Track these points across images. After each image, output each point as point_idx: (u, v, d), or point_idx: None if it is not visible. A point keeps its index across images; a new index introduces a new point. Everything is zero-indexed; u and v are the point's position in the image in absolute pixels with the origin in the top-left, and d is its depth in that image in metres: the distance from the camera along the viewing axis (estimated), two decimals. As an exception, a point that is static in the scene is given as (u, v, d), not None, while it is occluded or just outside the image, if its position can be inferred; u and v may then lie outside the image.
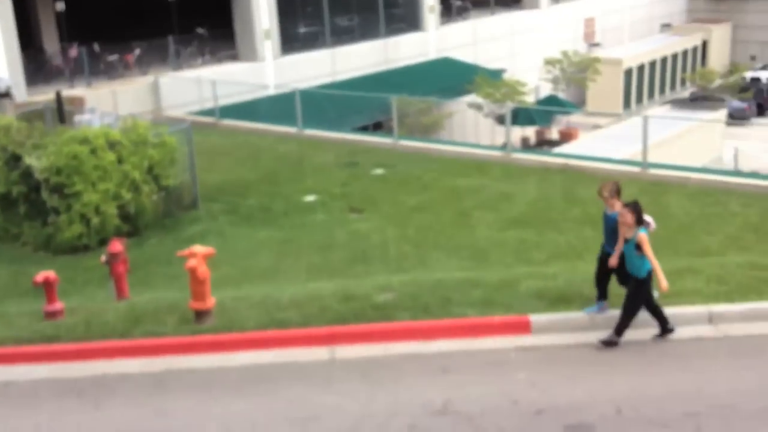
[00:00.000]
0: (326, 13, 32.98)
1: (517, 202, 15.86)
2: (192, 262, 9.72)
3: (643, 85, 49.84)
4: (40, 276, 10.43)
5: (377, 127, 29.15)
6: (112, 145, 15.29)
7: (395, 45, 35.17)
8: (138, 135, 15.73)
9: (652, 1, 55.12)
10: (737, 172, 23.93)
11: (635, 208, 9.06)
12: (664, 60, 51.51)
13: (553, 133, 40.03)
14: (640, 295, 9.16)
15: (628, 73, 47.90)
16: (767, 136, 38.37)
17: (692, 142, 31.13)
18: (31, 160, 14.80)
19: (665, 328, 9.36)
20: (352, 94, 26.42)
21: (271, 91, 29.08)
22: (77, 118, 18.85)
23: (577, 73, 41.47)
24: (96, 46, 27.42)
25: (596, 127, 38.78)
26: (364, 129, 27.47)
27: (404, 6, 36.73)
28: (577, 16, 47.92)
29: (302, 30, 32.67)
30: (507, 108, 22.06)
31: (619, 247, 9.25)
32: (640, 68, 49.11)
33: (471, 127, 35.78)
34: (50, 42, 30.16)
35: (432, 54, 36.97)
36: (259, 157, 20.40)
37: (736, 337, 9.42)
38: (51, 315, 10.40)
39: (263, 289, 11.33)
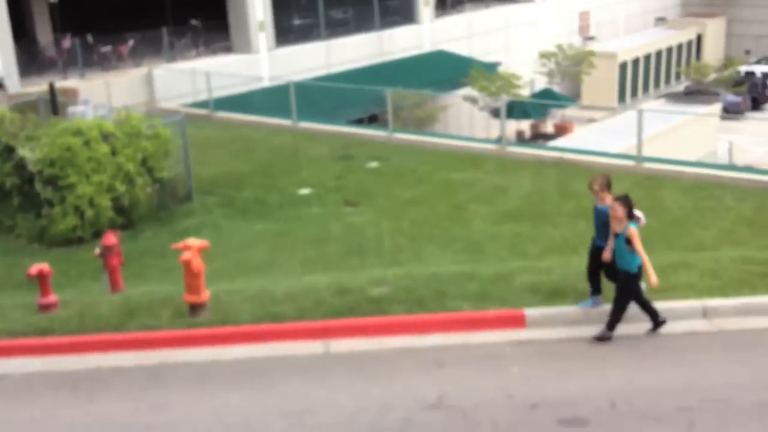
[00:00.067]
0: (321, 5, 32.90)
1: (511, 195, 15.86)
2: (186, 255, 9.70)
3: (638, 78, 49.87)
4: (34, 268, 10.40)
5: (372, 120, 29.12)
6: (105, 137, 15.25)
7: (390, 37, 35.10)
8: (132, 127, 15.69)
9: (647, -6, 55.16)
10: (731, 166, 23.97)
11: (626, 202, 9.06)
12: (658, 54, 51.55)
13: (548, 127, 40.06)
14: (630, 290, 9.17)
15: (623, 66, 47.94)
16: (762, 130, 38.44)
17: (687, 136, 31.19)
18: (24, 152, 14.76)
19: (657, 321, 9.37)
20: (346, 87, 26.37)
21: (266, 84, 29.02)
22: (70, 109, 18.78)
23: (572, 67, 41.49)
24: (89, 38, 27.28)
25: (591, 120, 38.85)
26: (358, 122, 27.43)
27: (399, -2, 36.70)
28: (572, 10, 47.89)
29: (297, 22, 32.59)
30: (502, 101, 22.03)
31: (611, 241, 9.25)
32: (635, 62, 49.15)
33: (466, 121, 35.76)
34: (43, 33, 30.01)
35: (427, 47, 36.92)
36: (253, 150, 20.36)
37: (730, 332, 9.44)
38: (45, 308, 10.37)
39: (258, 282, 11.32)
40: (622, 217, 9.00)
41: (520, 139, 37.79)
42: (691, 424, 7.54)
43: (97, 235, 13.72)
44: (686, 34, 54.55)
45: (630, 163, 17.24)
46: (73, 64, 26.37)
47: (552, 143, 29.72)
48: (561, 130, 38.77)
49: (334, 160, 19.00)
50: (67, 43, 27.06)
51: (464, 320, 9.76)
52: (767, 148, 36.45)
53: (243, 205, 16.23)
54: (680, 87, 49.90)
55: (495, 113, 33.24)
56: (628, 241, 8.96)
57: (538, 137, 38.44)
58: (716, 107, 38.51)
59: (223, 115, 24.26)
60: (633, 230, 8.99)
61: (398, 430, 7.70)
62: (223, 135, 22.02)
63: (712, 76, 47.38)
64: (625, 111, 38.09)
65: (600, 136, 30.04)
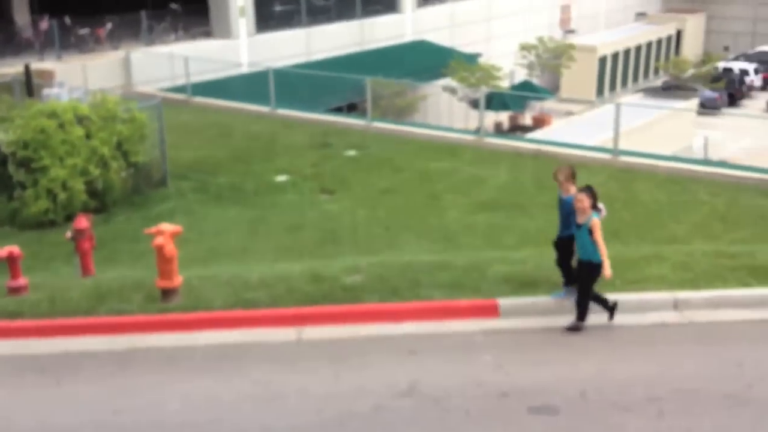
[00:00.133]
0: (302, -9, 32.76)
1: (488, 186, 15.88)
2: (159, 240, 9.61)
3: (617, 72, 50.12)
4: (4, 251, 10.25)
5: (351, 109, 29.05)
6: (80, 119, 15.10)
7: (371, 26, 35.00)
8: (107, 110, 15.53)
9: (628, -11, 55.38)
10: (706, 161, 24.16)
11: (591, 193, 9.11)
12: (638, 48, 51.82)
13: (527, 119, 40.18)
14: (591, 278, 9.20)
15: (603, 60, 48.16)
16: (737, 126, 38.74)
17: (663, 131, 31.38)
18: (-3, 134, 14.57)
19: (608, 308, 9.38)
20: (326, 75, 26.27)
21: (245, 70, 28.84)
22: (45, 91, 18.60)
23: (551, 60, 41.62)
24: (67, 19, 26.97)
25: (569, 113, 39.03)
26: (337, 110, 27.37)
27: (381, -13, 36.59)
28: (553, 3, 48.01)
29: (278, 8, 32.40)
30: (481, 92, 22.05)
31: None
32: (615, 56, 49.37)
33: (445, 111, 35.77)
34: (21, 14, 29.62)
35: (408, 36, 36.87)
36: (230, 136, 20.25)
37: (701, 324, 9.51)
38: (14, 291, 10.24)
39: (231, 268, 11.25)
40: (587, 207, 9.05)
41: (499, 130, 37.86)
42: (660, 414, 7.59)
43: (70, 218, 13.57)
44: (666, 30, 54.85)
45: (606, 156, 17.32)
46: (50, 45, 26.08)
47: (530, 135, 29.82)
48: (539, 122, 38.90)
49: (311, 148, 18.93)
50: (44, 24, 26.74)
51: (438, 309, 9.76)
52: (742, 144, 36.76)
53: (218, 191, 16.14)
54: (658, 82, 50.22)
55: (474, 104, 33.27)
56: (590, 232, 9.01)
57: (517, 129, 38.54)
58: (693, 102, 38.78)
59: (200, 100, 24.08)
60: (596, 221, 9.05)
61: (369, 417, 7.69)
62: (200, 120, 21.86)
63: (691, 71, 47.72)
64: (603, 104, 38.29)
65: (577, 128, 30.16)
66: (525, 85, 38.26)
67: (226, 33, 29.79)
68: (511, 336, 9.31)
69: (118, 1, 29.36)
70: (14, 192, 14.56)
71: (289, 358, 8.89)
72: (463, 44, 38.39)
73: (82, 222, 11.08)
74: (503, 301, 9.78)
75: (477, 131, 20.26)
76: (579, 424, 7.50)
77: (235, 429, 7.54)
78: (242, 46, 30.09)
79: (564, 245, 9.56)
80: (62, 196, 14.49)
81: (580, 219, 9.14)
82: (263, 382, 8.37)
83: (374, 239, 13.11)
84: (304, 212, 14.64)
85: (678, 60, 50.14)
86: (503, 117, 39.34)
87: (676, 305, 9.78)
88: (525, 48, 40.83)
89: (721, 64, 48.68)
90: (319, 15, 33.51)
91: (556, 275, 9.97)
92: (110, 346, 9.25)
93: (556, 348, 9.03)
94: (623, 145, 17.41)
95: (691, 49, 55.79)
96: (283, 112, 22.25)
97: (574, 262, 9.56)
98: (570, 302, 9.63)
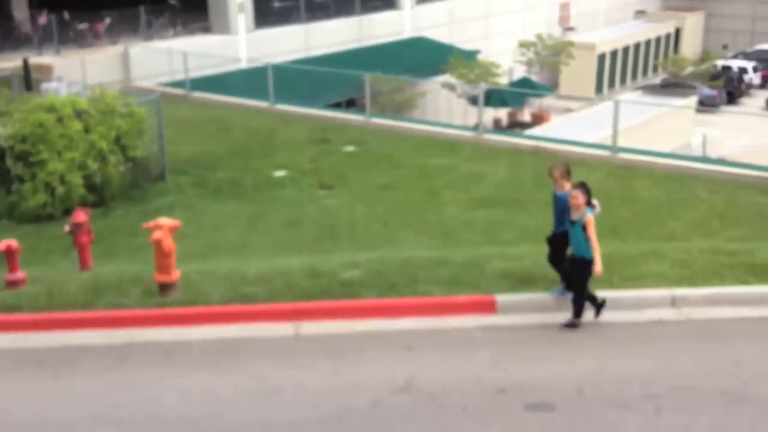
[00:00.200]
0: (301, -13, 32.71)
1: (487, 182, 15.88)
2: (157, 235, 9.60)
3: (616, 70, 50.12)
4: (2, 244, 10.24)
5: (350, 105, 29.04)
6: (78, 114, 15.08)
7: (370, 22, 34.96)
8: (106, 105, 15.52)
9: (628, -14, 55.37)
10: (705, 159, 24.16)
11: (586, 190, 9.12)
12: (637, 46, 51.82)
13: (525, 116, 40.17)
14: (585, 275, 9.19)
15: (601, 58, 48.16)
16: (736, 123, 38.75)
17: (662, 128, 31.38)
18: (-5, 127, 14.55)
19: (596, 305, 9.38)
20: (325, 71, 26.25)
21: (243, 65, 28.81)
22: (44, 86, 18.57)
23: (550, 57, 41.62)
24: (66, 14, 26.94)
25: (568, 110, 38.98)
26: (336, 106, 27.33)
27: (380, -17, 36.55)
28: (552, 0, 47.96)
29: (276, 4, 32.36)
30: (480, 89, 22.06)
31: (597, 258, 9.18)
32: (613, 53, 49.37)
33: (444, 107, 35.76)
34: (19, 9, 29.59)
35: (407, 33, 36.83)
36: (229, 131, 20.23)
37: (698, 321, 9.51)
38: (12, 284, 10.24)
39: (229, 263, 11.24)
40: (581, 204, 9.05)
41: (497, 127, 37.86)
42: (657, 411, 7.60)
43: (68, 212, 13.54)
44: (665, 28, 54.86)
45: (605, 153, 17.32)
46: (48, 40, 26.04)
47: (529, 132, 29.79)
48: (538, 119, 38.88)
49: (310, 144, 18.92)
50: (43, 19, 26.71)
51: (435, 305, 9.76)
52: (741, 142, 36.77)
53: (217, 186, 16.13)
54: (657, 79, 50.21)
55: (473, 101, 33.28)
56: (584, 228, 9.02)
57: (515, 126, 38.54)
58: (692, 100, 38.78)
59: (199, 95, 24.06)
60: (590, 217, 9.06)
61: (366, 412, 7.69)
62: (199, 115, 21.84)
63: (689, 69, 47.75)
64: (601, 102, 38.27)
65: (576, 126, 30.13)
66: (524, 82, 38.26)
67: (225, 28, 29.75)
68: (509, 332, 9.31)
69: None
70: (12, 186, 14.55)
71: (286, 353, 8.89)
72: (462, 41, 38.36)
73: (80, 216, 11.07)
74: (501, 298, 9.78)
75: (476, 128, 20.26)
76: (576, 421, 7.51)
77: (232, 424, 7.54)
78: (241, 42, 30.06)
79: (558, 242, 9.57)
80: (60, 190, 14.47)
81: (575, 215, 9.14)
82: (261, 377, 8.37)
83: (373, 235, 13.10)
84: (302, 207, 14.63)
85: (677, 58, 50.17)
86: (502, 114, 39.33)
87: (674, 302, 9.79)
88: (524, 45, 40.82)
89: (720, 62, 48.70)
90: (318, 11, 33.49)
91: (554, 272, 9.97)
92: (108, 340, 9.25)
93: (554, 345, 9.03)
94: (622, 143, 17.41)
95: (690, 47, 55.81)
96: (281, 107, 22.23)
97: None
98: (567, 299, 9.64)
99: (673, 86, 44.57)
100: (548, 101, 41.38)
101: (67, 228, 11.17)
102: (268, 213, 14.43)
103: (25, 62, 20.37)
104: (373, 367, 8.54)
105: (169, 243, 9.65)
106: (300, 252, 12.12)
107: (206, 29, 30.00)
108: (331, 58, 31.12)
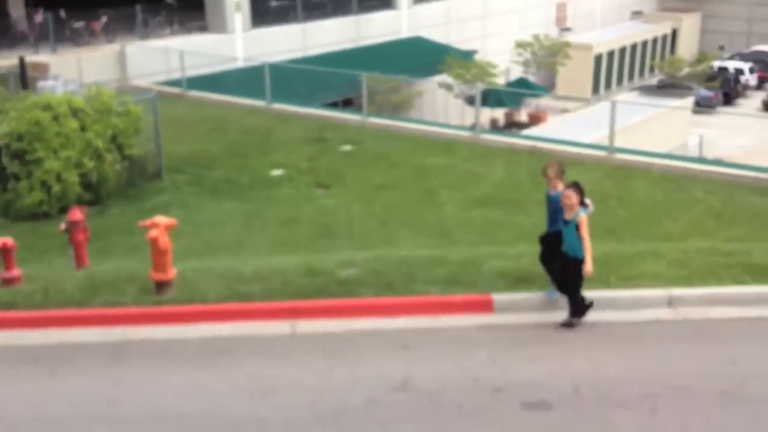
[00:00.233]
0: (298, -13, 32.69)
1: (484, 182, 15.87)
2: (153, 233, 9.59)
3: (613, 71, 50.15)
4: (-2, 242, 10.24)
5: (347, 104, 29.01)
6: (75, 112, 15.05)
7: (367, 22, 34.95)
8: (102, 103, 15.49)
9: (625, -13, 55.43)
10: (701, 159, 24.20)
11: (579, 189, 9.12)
12: (633, 47, 51.86)
13: (522, 116, 40.18)
14: (578, 274, 9.18)
15: (598, 58, 48.18)
16: (733, 124, 38.82)
17: (659, 129, 31.43)
18: (-9, 125, 14.52)
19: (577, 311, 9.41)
20: (322, 70, 26.22)
21: (240, 64, 28.78)
22: (40, 84, 18.52)
23: (547, 57, 41.61)
24: (62, 12, 26.88)
25: (565, 110, 39.02)
26: (333, 105, 27.30)
27: (377, -17, 36.54)
28: (549, 1, 48.00)
29: (273, 3, 32.34)
30: (477, 89, 22.04)
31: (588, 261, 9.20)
32: (610, 54, 49.40)
33: (441, 107, 35.76)
34: (16, 7, 29.51)
35: (404, 32, 36.82)
36: (225, 130, 20.20)
37: (695, 321, 9.52)
38: (8, 282, 10.22)
39: (226, 261, 11.23)
40: (575, 204, 9.05)
41: (494, 127, 37.87)
42: (653, 411, 7.60)
43: (64, 210, 13.52)
44: (662, 29, 54.91)
45: (602, 153, 17.32)
46: (44, 38, 25.99)
47: (525, 132, 29.79)
48: (535, 119, 38.89)
49: (307, 143, 18.90)
50: (39, 17, 26.66)
51: (432, 304, 9.76)
52: (737, 143, 36.84)
53: (213, 185, 16.10)
54: (654, 80, 50.26)
55: (470, 100, 33.30)
56: (577, 228, 9.02)
57: (512, 126, 38.55)
58: (689, 101, 38.83)
59: (196, 94, 24.03)
60: (583, 217, 9.06)
61: (363, 411, 7.68)
62: (195, 114, 21.81)
63: (686, 70, 47.77)
64: (598, 102, 38.30)
65: (573, 126, 30.16)
66: (521, 83, 38.26)
67: (222, 27, 29.72)
68: (506, 331, 9.31)
69: (113, -6, 29.31)
70: (8, 183, 14.52)
71: (283, 352, 8.88)
72: (459, 41, 38.36)
73: (77, 214, 11.04)
74: (498, 297, 9.78)
75: (473, 127, 20.25)
76: (572, 420, 7.51)
77: (229, 422, 7.52)
78: (238, 41, 30.02)
79: (551, 241, 9.56)
80: (56, 188, 14.44)
81: (568, 215, 9.14)
82: (257, 375, 8.36)
83: (369, 234, 13.09)
84: (299, 206, 14.61)
85: (673, 59, 50.18)
86: (499, 114, 39.34)
87: (671, 302, 9.79)
88: (521, 45, 40.81)
89: (717, 63, 48.74)
90: (315, 11, 33.46)
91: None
92: (104, 338, 9.23)
93: (551, 344, 9.03)
94: (619, 143, 17.41)
95: (687, 48, 55.86)
96: (278, 106, 22.20)
97: None
98: (563, 298, 9.64)
99: (669, 87, 44.61)
100: (545, 101, 41.40)
101: (63, 226, 11.14)
102: (264, 212, 14.41)
103: (22, 60, 20.32)
104: (369, 366, 8.53)
105: (165, 241, 9.64)
106: (297, 251, 12.10)
107: (203, 28, 29.97)
108: (328, 58, 31.10)
